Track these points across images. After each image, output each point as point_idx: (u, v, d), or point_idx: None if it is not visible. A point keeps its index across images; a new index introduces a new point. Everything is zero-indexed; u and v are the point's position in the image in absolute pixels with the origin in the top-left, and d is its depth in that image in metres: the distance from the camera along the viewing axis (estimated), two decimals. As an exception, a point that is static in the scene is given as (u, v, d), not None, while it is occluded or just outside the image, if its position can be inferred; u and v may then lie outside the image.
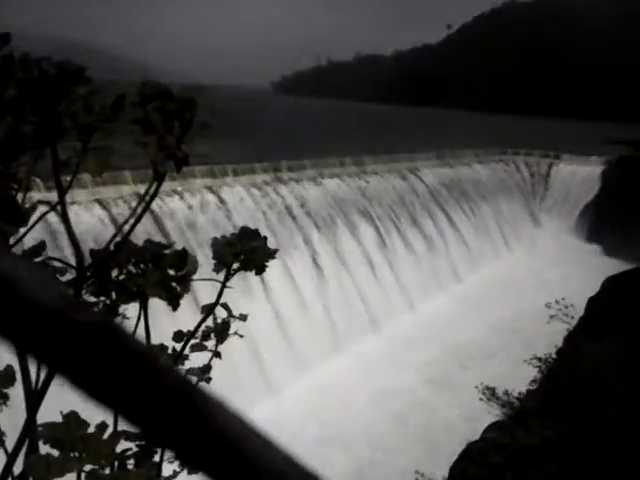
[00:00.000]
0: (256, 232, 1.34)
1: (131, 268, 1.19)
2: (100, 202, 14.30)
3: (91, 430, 1.21)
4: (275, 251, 1.35)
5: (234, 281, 1.34)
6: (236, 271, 1.34)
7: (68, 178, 1.07)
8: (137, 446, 1.47)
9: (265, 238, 1.34)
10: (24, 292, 0.23)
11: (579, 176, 34.69)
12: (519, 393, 10.15)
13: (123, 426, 1.45)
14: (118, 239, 1.15)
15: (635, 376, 7.06)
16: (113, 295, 1.15)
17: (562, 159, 36.00)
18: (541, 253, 29.54)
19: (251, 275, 1.38)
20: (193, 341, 1.48)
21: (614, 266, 22.63)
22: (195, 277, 1.32)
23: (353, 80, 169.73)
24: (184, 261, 1.26)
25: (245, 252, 1.31)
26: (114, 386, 0.24)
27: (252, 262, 1.31)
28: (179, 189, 16.39)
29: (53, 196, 1.06)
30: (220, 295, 1.36)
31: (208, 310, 1.39)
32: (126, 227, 1.15)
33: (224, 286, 1.35)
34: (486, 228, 29.49)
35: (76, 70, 0.98)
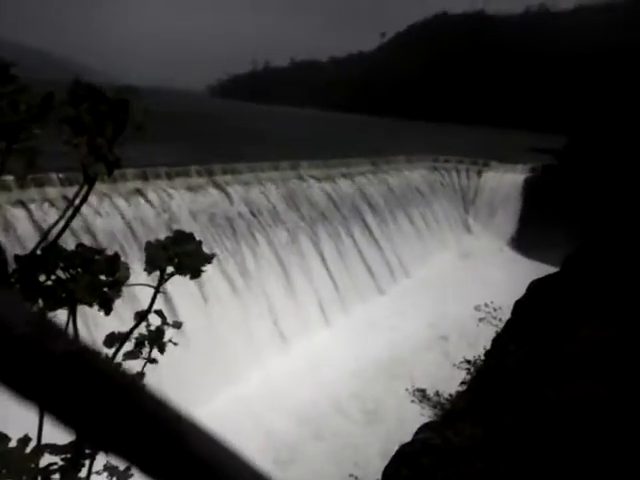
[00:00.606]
0: (191, 235, 1.32)
1: (60, 274, 1.15)
2: (24, 205, 13.72)
3: (13, 444, 1.15)
4: (212, 255, 1.33)
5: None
6: (170, 275, 1.31)
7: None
8: (63, 460, 1.42)
9: (200, 242, 1.32)
10: None
11: (506, 183, 36.00)
12: (450, 395, 10.41)
13: (48, 439, 1.40)
14: (45, 244, 1.11)
15: (558, 375, 7.36)
16: (40, 302, 1.11)
17: (491, 167, 37.25)
18: (470, 257, 30.44)
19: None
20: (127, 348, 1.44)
21: (539, 270, 23.54)
22: (131, 282, 1.29)
23: (289, 85, 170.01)
24: (116, 266, 1.23)
25: (179, 256, 1.29)
26: (94, 416, 0.22)
27: (187, 266, 1.29)
28: (107, 192, 15.94)
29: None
30: (153, 300, 1.33)
31: (141, 316, 1.36)
32: (55, 231, 1.12)
33: (157, 291, 1.32)
34: (418, 233, 30.10)
35: (0, 67, 0.94)
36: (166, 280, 1.32)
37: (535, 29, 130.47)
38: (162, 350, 1.50)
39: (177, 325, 1.48)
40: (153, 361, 1.54)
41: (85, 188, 1.03)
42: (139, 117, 0.99)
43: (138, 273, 1.33)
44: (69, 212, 1.11)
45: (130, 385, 0.24)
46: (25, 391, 0.22)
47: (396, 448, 8.00)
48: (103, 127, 0.97)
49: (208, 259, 1.31)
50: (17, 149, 0.97)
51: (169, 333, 1.50)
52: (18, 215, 13.34)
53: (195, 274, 1.30)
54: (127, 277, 1.22)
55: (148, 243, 1.29)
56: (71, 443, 1.42)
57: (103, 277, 1.22)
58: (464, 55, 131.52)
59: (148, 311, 1.36)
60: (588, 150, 38.21)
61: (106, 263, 1.21)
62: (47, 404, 0.22)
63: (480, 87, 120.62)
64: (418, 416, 10.19)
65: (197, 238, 1.32)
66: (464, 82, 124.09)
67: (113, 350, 1.37)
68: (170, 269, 1.29)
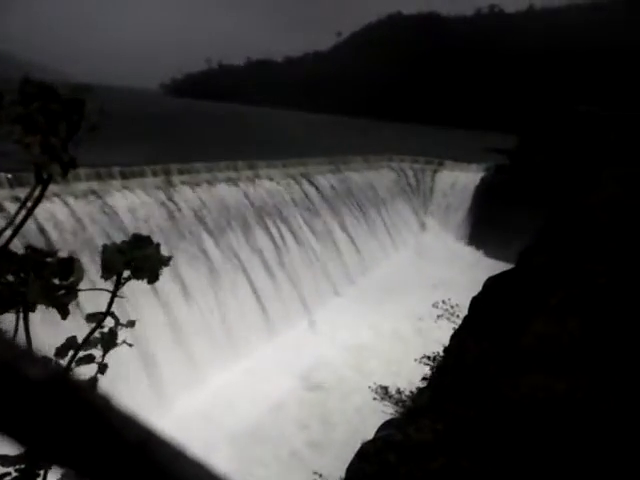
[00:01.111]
0: (148, 239, 1.29)
1: (10, 278, 1.11)
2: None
3: None
4: (169, 258, 1.30)
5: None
6: (127, 280, 1.28)
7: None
8: (16, 470, 1.37)
9: (158, 245, 1.29)
10: None
11: (461, 182, 36.63)
12: (410, 392, 10.52)
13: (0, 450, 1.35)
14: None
15: (513, 370, 7.51)
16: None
17: (445, 166, 37.81)
18: (427, 256, 30.85)
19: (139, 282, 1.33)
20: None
21: (494, 267, 24.01)
22: (84, 285, 1.25)
23: (244, 84, 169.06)
24: (69, 269, 1.19)
25: (137, 260, 1.26)
26: (73, 444, 0.21)
27: (144, 270, 1.27)
28: (59, 193, 15.54)
29: None
30: (110, 305, 1.30)
31: (97, 320, 1.32)
32: (5, 234, 1.07)
33: (114, 295, 1.29)
34: (375, 232, 30.35)
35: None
36: (122, 284, 1.29)
37: (487, 30, 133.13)
38: (108, 350, 1.44)
39: (131, 324, 1.44)
40: (105, 367, 1.49)
41: (38, 190, 0.99)
42: (94, 117, 0.96)
43: (92, 275, 1.29)
44: (21, 214, 1.07)
45: (113, 412, 0.23)
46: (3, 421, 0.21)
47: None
48: (56, 127, 0.94)
49: (165, 262, 1.28)
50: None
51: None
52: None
53: (152, 278, 1.28)
54: (81, 278, 1.19)
55: (104, 247, 1.26)
56: (24, 454, 1.38)
57: (56, 281, 1.19)
58: (419, 55, 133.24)
59: (105, 314, 1.32)
60: (538, 149, 39.22)
61: (59, 266, 1.18)
62: (23, 433, 0.22)
63: (436, 87, 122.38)
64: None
65: (154, 241, 1.29)
66: (419, 82, 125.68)
67: (68, 359, 1.33)
68: (127, 273, 1.26)
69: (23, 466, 1.37)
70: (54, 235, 14.22)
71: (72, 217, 15.24)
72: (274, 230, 22.78)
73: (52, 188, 14.97)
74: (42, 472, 1.44)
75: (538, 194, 31.77)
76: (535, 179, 34.18)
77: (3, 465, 1.33)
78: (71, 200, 15.63)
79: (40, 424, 0.21)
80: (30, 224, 13.41)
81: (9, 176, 14.10)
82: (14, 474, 1.35)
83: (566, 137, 38.34)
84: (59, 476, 1.56)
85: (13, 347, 0.22)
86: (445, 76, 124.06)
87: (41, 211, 14.24)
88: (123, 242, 1.27)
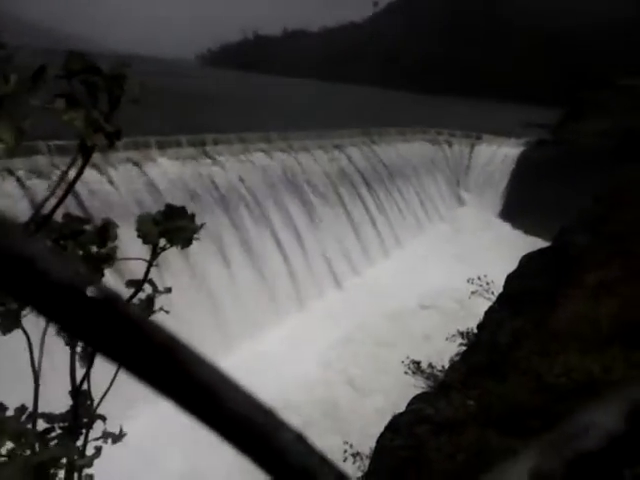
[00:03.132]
0: (183, 209, 1.31)
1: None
2: (13, 173, 13.56)
3: (10, 413, 1.16)
4: (201, 226, 1.33)
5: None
6: (162, 249, 1.31)
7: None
8: (60, 428, 1.44)
9: (192, 215, 1.32)
10: (46, 271, 0.29)
11: (500, 157, 35.92)
12: (442, 366, 10.53)
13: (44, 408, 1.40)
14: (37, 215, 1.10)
15: (548, 348, 7.44)
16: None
17: (483, 140, 37.09)
18: (463, 231, 30.50)
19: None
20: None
21: (531, 243, 23.67)
22: (120, 254, 1.27)
23: (280, 55, 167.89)
24: (106, 236, 1.22)
25: (171, 230, 1.29)
26: (117, 345, 0.30)
27: (178, 239, 1.29)
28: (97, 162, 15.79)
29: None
30: (147, 273, 1.33)
31: (136, 287, 1.36)
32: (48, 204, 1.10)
33: (151, 265, 1.32)
34: (410, 206, 30.10)
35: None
36: (159, 254, 1.32)
37: (530, 2, 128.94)
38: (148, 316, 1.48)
39: (167, 290, 1.48)
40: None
41: (80, 161, 1.01)
42: (135, 91, 0.97)
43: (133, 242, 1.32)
44: (62, 184, 1.09)
45: (145, 321, 0.32)
46: (71, 330, 0.31)
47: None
48: (97, 100, 0.96)
49: (197, 230, 1.31)
50: (6, 117, 0.94)
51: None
52: (7, 184, 13.21)
53: (186, 244, 1.31)
54: (115, 237, 1.23)
55: (140, 217, 1.29)
56: (68, 412, 1.44)
57: (94, 248, 1.22)
58: (458, 26, 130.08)
59: (143, 282, 1.35)
60: (581, 123, 38.17)
61: (97, 233, 1.21)
62: (84, 337, 0.31)
63: (476, 59, 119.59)
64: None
65: (189, 210, 1.32)
66: (458, 53, 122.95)
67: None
68: (162, 242, 1.29)
69: (67, 424, 1.44)
70: (91, 204, 14.47)
71: (110, 186, 15.50)
72: (307, 201, 22.79)
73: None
74: (84, 430, 1.50)
75: (580, 170, 31.00)
76: (578, 154, 33.28)
77: (48, 422, 1.40)
78: (109, 169, 15.87)
79: (92, 326, 0.30)
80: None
81: (50, 144, 14.34)
82: (58, 431, 1.42)
83: (609, 111, 37.21)
84: (102, 433, 1.64)
85: (78, 272, 0.30)
86: (486, 48, 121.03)
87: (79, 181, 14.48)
88: (158, 212, 1.29)
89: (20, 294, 0.30)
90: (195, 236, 1.33)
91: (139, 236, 1.27)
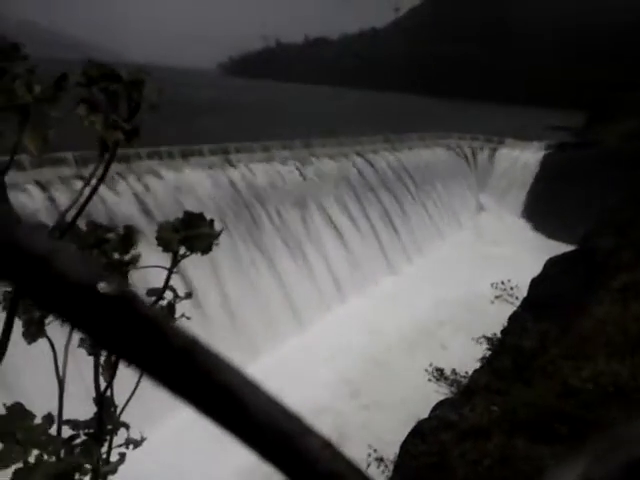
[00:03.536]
0: (201, 216, 1.32)
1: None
2: (41, 184, 13.80)
3: (37, 421, 1.17)
4: (220, 231, 1.34)
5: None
6: (183, 257, 1.32)
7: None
8: (85, 434, 1.45)
9: (211, 221, 1.32)
10: (62, 269, 0.29)
11: (522, 161, 35.57)
12: (466, 372, 10.43)
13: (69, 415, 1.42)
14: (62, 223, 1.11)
15: (573, 352, 7.33)
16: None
17: (505, 144, 36.78)
18: (485, 236, 30.25)
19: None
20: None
21: (555, 248, 23.38)
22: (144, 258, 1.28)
23: (302, 62, 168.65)
24: (129, 243, 1.23)
25: (190, 238, 1.29)
26: (135, 347, 0.30)
27: (198, 246, 1.30)
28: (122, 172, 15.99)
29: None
30: (167, 281, 1.34)
31: (157, 295, 1.36)
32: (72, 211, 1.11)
33: (171, 272, 1.32)
34: (431, 212, 29.94)
35: (12, 47, 0.92)
36: (179, 261, 1.33)
37: (553, 4, 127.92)
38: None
39: (188, 296, 1.48)
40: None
41: (103, 166, 1.02)
42: (153, 97, 0.98)
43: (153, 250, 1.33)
44: (86, 191, 1.10)
45: (164, 320, 0.31)
46: (85, 328, 0.30)
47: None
48: (117, 106, 0.97)
49: (216, 236, 1.32)
50: (31, 128, 0.95)
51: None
52: (34, 194, 13.43)
53: (205, 251, 1.32)
54: (137, 241, 1.25)
55: (159, 226, 1.30)
56: (92, 419, 1.45)
57: (117, 255, 1.22)
58: (480, 31, 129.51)
59: (163, 290, 1.36)
60: (609, 126, 37.67)
61: (120, 241, 1.22)
62: (98, 336, 0.30)
63: (497, 63, 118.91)
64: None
65: (208, 217, 1.33)
66: (480, 57, 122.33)
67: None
68: (182, 250, 1.30)
69: (92, 430, 1.46)
70: (117, 211, 14.66)
71: (133, 195, 15.68)
72: (329, 208, 22.80)
73: (114, 167, 15.45)
74: (108, 437, 1.52)
75: (605, 173, 30.57)
76: (603, 157, 32.80)
77: (73, 429, 1.41)
78: (132, 179, 16.07)
79: (109, 326, 0.30)
80: (94, 202, 13.88)
81: (76, 155, 14.55)
82: (83, 437, 1.43)
83: (636, 112, 36.64)
84: (125, 440, 1.65)
85: (94, 270, 0.30)
86: (509, 52, 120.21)
87: (104, 188, 14.73)
88: (177, 220, 1.30)
89: (36, 293, 0.29)
90: (215, 242, 1.34)
91: (159, 244, 1.28)
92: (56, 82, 0.95)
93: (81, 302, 0.29)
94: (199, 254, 1.35)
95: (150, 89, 0.97)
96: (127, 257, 1.26)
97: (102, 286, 0.29)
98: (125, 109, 0.97)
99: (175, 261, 1.33)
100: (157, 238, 1.29)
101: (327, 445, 0.29)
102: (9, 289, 1.12)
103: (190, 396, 0.30)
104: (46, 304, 0.29)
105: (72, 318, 0.29)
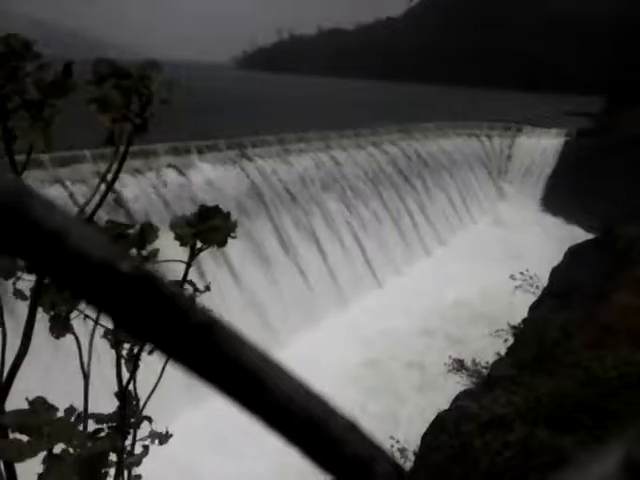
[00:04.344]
0: (216, 209, 1.32)
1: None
2: (61, 182, 13.98)
3: (60, 414, 1.18)
4: (235, 223, 1.34)
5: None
6: (200, 250, 1.32)
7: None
8: (109, 427, 1.46)
9: (227, 214, 1.32)
10: (76, 245, 0.28)
11: (541, 148, 35.18)
12: (486, 362, 10.37)
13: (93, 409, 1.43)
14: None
15: (595, 341, 7.26)
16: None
17: (524, 132, 36.40)
18: (505, 224, 29.99)
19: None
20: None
21: (575, 236, 23.13)
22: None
23: (316, 54, 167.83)
24: (147, 238, 1.24)
25: (205, 232, 1.30)
26: (153, 324, 0.29)
27: (212, 239, 1.31)
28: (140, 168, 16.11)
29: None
30: (186, 274, 1.34)
31: (180, 282, 1.37)
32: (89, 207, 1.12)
33: (189, 266, 1.33)
34: (451, 201, 29.75)
35: (23, 45, 0.92)
36: (196, 255, 1.34)
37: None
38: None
39: (207, 289, 1.49)
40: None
41: (117, 161, 1.03)
42: (164, 91, 0.99)
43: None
44: (102, 186, 1.11)
45: (183, 298, 0.30)
46: (102, 306, 0.29)
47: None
48: (129, 103, 0.97)
49: (233, 229, 1.32)
50: (38, 125, 0.96)
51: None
52: (55, 192, 13.59)
53: (221, 244, 1.32)
54: (154, 239, 1.26)
55: (173, 220, 1.31)
56: (116, 412, 1.47)
57: (135, 251, 1.24)
58: (497, 19, 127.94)
59: (182, 283, 1.37)
60: (630, 110, 37.05)
61: (137, 237, 1.23)
62: (115, 315, 0.29)
63: (513, 50, 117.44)
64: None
65: (223, 210, 1.33)
66: (496, 44, 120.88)
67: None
68: (199, 244, 1.30)
69: (115, 424, 1.47)
70: (135, 208, 14.79)
71: (153, 190, 15.79)
72: (346, 200, 22.76)
73: (132, 164, 15.58)
74: (131, 430, 1.53)
75: (626, 159, 30.10)
76: (624, 142, 32.26)
77: (97, 423, 1.43)
78: (151, 174, 16.19)
79: (127, 306, 0.29)
80: (111, 198, 14.06)
81: (94, 152, 14.69)
82: (106, 430, 1.45)
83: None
84: (148, 433, 1.66)
85: (111, 246, 0.29)
86: (528, 39, 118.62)
87: (122, 185, 14.87)
88: (192, 214, 1.31)
89: (51, 270, 0.29)
90: (232, 235, 1.34)
91: (176, 238, 1.29)
92: (63, 71, 0.95)
93: (99, 279, 0.28)
94: (214, 247, 1.35)
95: (158, 83, 0.97)
96: (145, 252, 1.27)
97: (120, 263, 0.28)
98: (137, 104, 0.98)
99: (192, 255, 1.34)
100: (173, 233, 1.30)
101: (352, 427, 0.29)
102: (34, 285, 1.14)
103: (211, 376, 0.29)
104: (62, 281, 0.29)
105: (89, 295, 0.29)
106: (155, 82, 0.97)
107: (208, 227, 1.29)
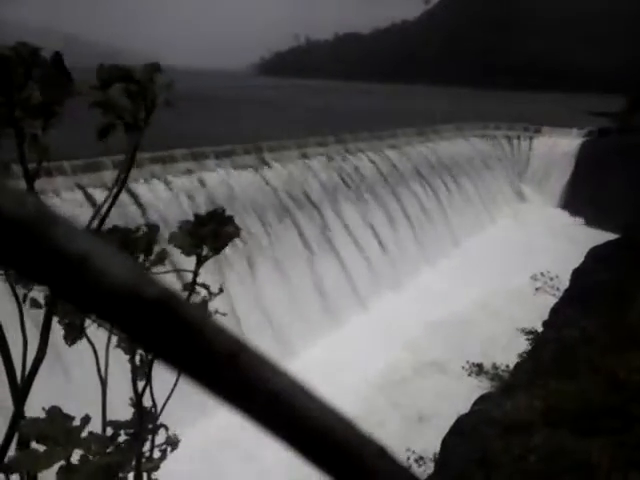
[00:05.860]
0: (216, 214, 1.32)
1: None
2: (82, 188, 14.13)
3: (76, 423, 1.19)
4: (238, 230, 1.34)
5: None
6: (206, 258, 1.33)
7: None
8: (126, 434, 1.47)
9: (230, 217, 1.32)
10: (100, 269, 0.27)
11: (560, 149, 34.84)
12: (506, 366, 10.26)
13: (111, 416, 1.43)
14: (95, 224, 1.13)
15: (619, 344, 7.16)
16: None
17: (543, 132, 36.11)
18: (525, 227, 29.71)
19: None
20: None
21: (596, 237, 22.85)
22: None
23: (333, 59, 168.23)
24: (152, 243, 1.24)
25: (204, 239, 1.30)
26: (177, 351, 0.29)
27: (215, 246, 1.31)
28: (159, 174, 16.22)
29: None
30: (194, 281, 1.35)
31: (189, 290, 1.38)
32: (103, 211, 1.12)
33: (196, 275, 1.34)
34: (470, 203, 29.57)
35: (31, 52, 0.92)
36: (203, 263, 1.35)
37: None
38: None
39: (220, 291, 1.49)
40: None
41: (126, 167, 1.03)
42: (165, 93, 0.99)
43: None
44: (115, 189, 1.12)
45: (207, 324, 0.29)
46: (126, 331, 0.29)
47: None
48: (137, 106, 0.98)
49: (236, 234, 1.32)
50: (36, 133, 0.98)
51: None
52: (76, 198, 13.74)
53: (217, 250, 1.32)
54: (156, 240, 1.27)
55: (172, 234, 1.31)
56: (133, 419, 1.47)
57: (141, 256, 1.24)
58: (512, 19, 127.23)
59: (193, 287, 1.37)
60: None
61: (143, 241, 1.23)
62: (140, 340, 0.29)
63: (529, 51, 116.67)
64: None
65: (226, 214, 1.33)
66: (512, 47, 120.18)
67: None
68: (205, 251, 1.31)
69: (133, 430, 1.48)
70: (154, 214, 14.88)
71: (171, 196, 15.90)
72: (365, 203, 22.72)
73: (152, 169, 15.72)
74: (149, 436, 1.53)
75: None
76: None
77: (115, 429, 1.43)
78: (169, 179, 16.30)
79: (151, 331, 0.28)
80: (130, 204, 14.23)
81: (114, 159, 14.78)
82: (124, 436, 1.46)
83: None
84: (165, 439, 1.66)
85: (135, 270, 0.28)
86: (546, 39, 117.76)
87: (140, 191, 15.02)
88: (189, 223, 1.32)
89: (74, 295, 0.28)
90: (234, 240, 1.34)
91: (181, 252, 1.30)
92: (52, 61, 0.95)
93: (122, 305, 0.28)
94: (215, 254, 1.35)
95: (161, 85, 0.98)
96: (152, 256, 1.27)
97: (143, 289, 0.28)
98: (142, 106, 0.99)
99: (199, 263, 1.35)
100: (175, 245, 1.30)
101: (383, 454, 0.27)
102: (48, 293, 1.14)
103: (236, 401, 0.29)
104: (85, 306, 0.28)
105: (112, 320, 0.28)
106: (157, 84, 0.97)
107: (205, 234, 1.30)
